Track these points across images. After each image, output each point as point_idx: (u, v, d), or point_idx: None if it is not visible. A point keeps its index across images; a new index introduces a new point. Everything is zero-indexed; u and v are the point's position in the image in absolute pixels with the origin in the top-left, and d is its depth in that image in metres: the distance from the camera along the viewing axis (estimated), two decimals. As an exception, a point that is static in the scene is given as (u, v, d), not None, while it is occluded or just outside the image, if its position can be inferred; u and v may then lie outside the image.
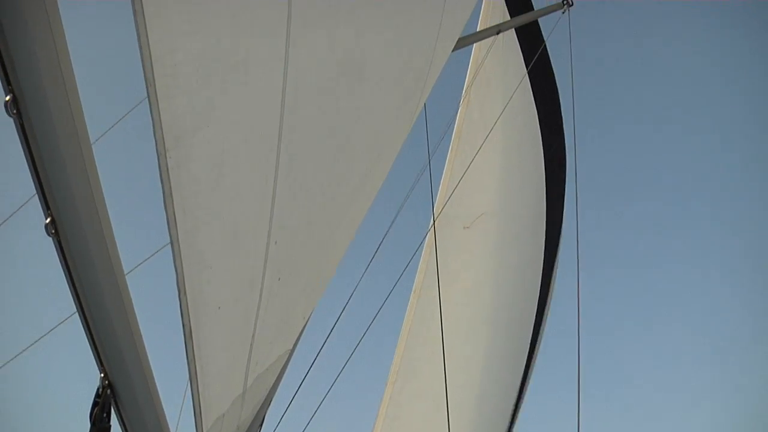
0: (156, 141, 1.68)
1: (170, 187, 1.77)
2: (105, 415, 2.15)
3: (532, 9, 8.83)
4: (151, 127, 1.66)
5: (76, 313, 2.02)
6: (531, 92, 8.98)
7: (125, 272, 1.94)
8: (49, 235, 1.75)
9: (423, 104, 4.21)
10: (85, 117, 1.62)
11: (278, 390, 3.47)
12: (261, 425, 3.41)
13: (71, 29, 1.55)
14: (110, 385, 2.12)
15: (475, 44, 8.49)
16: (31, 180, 1.67)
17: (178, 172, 1.77)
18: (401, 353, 8.94)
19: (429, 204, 7.28)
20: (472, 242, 9.11)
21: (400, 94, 3.54)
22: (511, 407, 8.42)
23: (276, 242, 2.49)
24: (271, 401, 3.42)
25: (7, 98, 1.50)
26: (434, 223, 6.94)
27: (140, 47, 1.53)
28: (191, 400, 2.47)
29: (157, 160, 1.73)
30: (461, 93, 9.14)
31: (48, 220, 1.71)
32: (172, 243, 1.88)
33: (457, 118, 9.14)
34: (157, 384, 2.22)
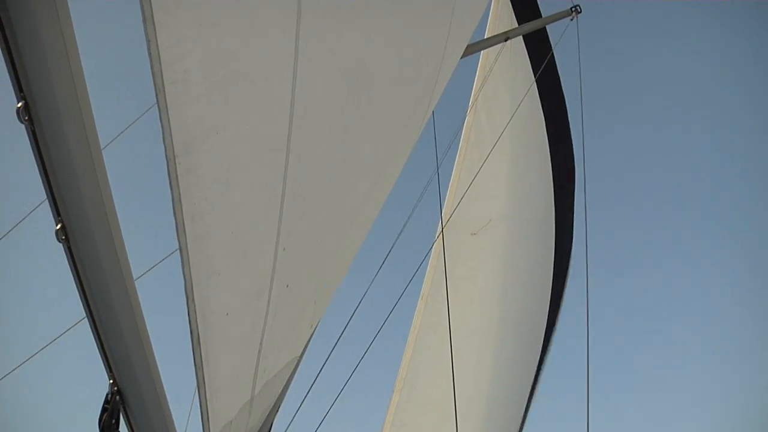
0: (165, 147, 1.69)
1: (179, 193, 1.77)
2: (114, 421, 2.16)
3: (540, 16, 8.83)
4: (161, 134, 1.67)
5: (84, 320, 2.02)
6: (539, 99, 8.97)
7: (134, 278, 1.95)
8: (59, 241, 1.75)
9: (431, 112, 4.21)
10: (95, 123, 1.63)
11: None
12: (268, 432, 3.41)
13: (81, 35, 1.56)
14: (119, 392, 2.12)
15: (482, 51, 8.49)
16: (42, 186, 1.68)
17: (188, 179, 1.77)
18: (408, 360, 8.92)
19: (435, 210, 7.28)
20: (479, 249, 9.10)
21: (409, 102, 3.55)
22: (521, 414, 8.39)
23: (284, 249, 2.49)
24: (279, 408, 3.41)
25: (19, 105, 1.50)
26: (443, 230, 6.92)
27: (150, 54, 1.54)
28: (199, 406, 2.48)
29: (166, 167, 1.73)
30: (467, 99, 9.14)
31: (58, 226, 1.72)
32: (180, 249, 1.88)
33: (465, 124, 9.14)
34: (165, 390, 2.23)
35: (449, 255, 7.04)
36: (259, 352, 2.70)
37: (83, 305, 1.94)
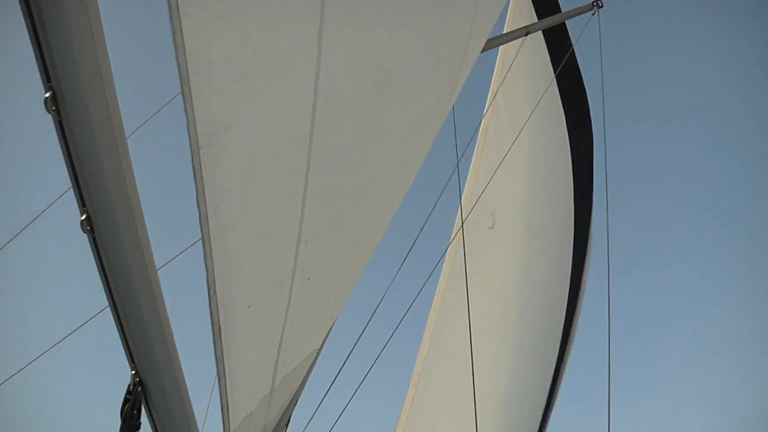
0: (189, 138, 1.68)
1: (203, 184, 1.77)
2: (135, 412, 2.17)
3: (560, 10, 8.77)
4: (185, 125, 1.67)
5: (105, 310, 2.03)
6: (558, 94, 8.91)
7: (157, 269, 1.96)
8: (84, 231, 1.76)
9: (452, 106, 4.19)
10: (121, 113, 1.64)
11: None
12: (287, 425, 3.42)
13: (108, 25, 1.56)
14: (141, 383, 2.13)
15: (501, 46, 8.45)
16: (68, 176, 1.68)
17: (211, 170, 1.77)
18: (424, 355, 8.91)
19: (452, 204, 7.25)
20: (496, 243, 9.07)
21: (430, 96, 3.53)
22: (540, 412, 8.35)
23: (306, 242, 2.49)
24: (297, 401, 3.42)
25: (47, 95, 1.51)
26: (462, 225, 6.90)
27: (175, 45, 1.54)
28: (218, 398, 2.48)
29: (190, 158, 1.73)
30: (485, 94, 9.10)
31: (83, 216, 1.72)
32: (203, 241, 1.88)
33: (483, 119, 9.11)
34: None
35: (466, 250, 7.02)
36: (280, 344, 2.70)
37: (107, 295, 1.94)
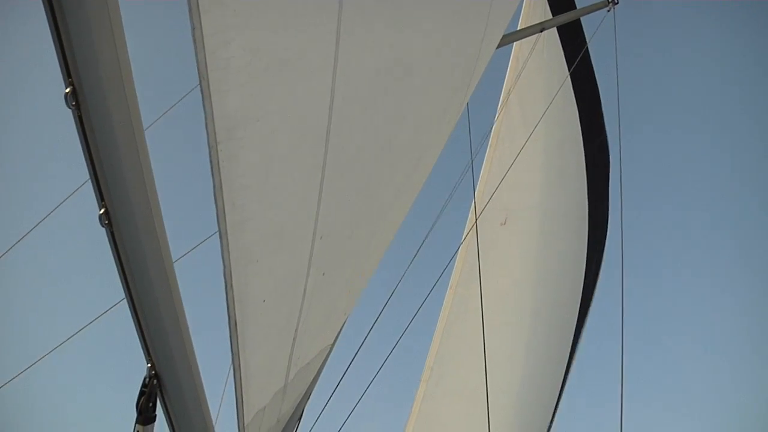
0: (208, 134, 1.69)
1: (220, 180, 1.78)
2: (151, 405, 2.19)
3: (575, 6, 8.73)
4: (200, 119, 1.67)
5: (121, 302, 2.05)
6: (572, 91, 8.88)
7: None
8: (102, 225, 1.77)
9: (466, 103, 4.19)
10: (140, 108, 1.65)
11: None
12: (300, 419, 3.44)
13: (128, 21, 1.57)
14: (157, 376, 2.15)
15: (515, 42, 8.42)
16: (87, 170, 1.70)
17: (229, 166, 1.78)
18: (435, 351, 8.93)
19: (464, 201, 7.24)
20: (509, 239, 9.06)
21: (446, 93, 3.53)
22: (552, 406, 8.33)
23: (321, 237, 2.50)
24: (310, 395, 3.44)
25: (67, 90, 1.52)
26: (476, 221, 6.90)
27: (194, 41, 1.54)
28: (233, 391, 2.50)
29: (204, 151, 1.74)
30: (498, 90, 9.09)
31: (102, 210, 1.74)
32: (221, 236, 1.89)
33: (497, 115, 9.09)
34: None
35: (480, 245, 7.01)
36: (294, 339, 2.71)
37: (124, 289, 1.96)
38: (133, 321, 2.05)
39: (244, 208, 1.92)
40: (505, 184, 7.96)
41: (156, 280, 1.91)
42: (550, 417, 8.31)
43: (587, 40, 8.61)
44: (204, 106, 1.64)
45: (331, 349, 3.43)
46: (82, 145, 1.62)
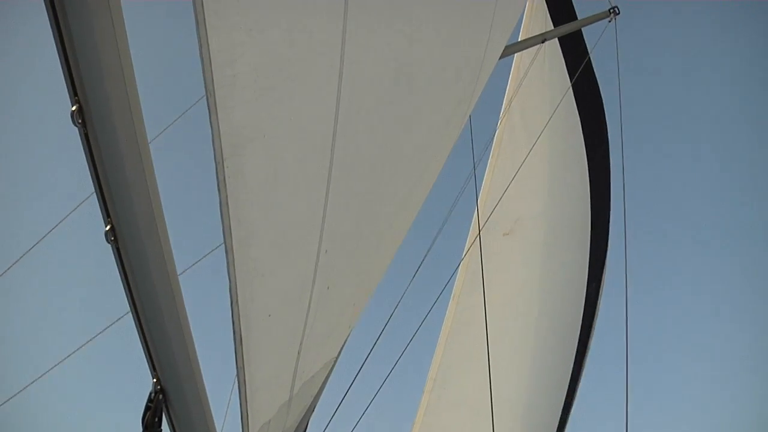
0: (214, 150, 1.70)
1: (226, 196, 1.78)
2: (156, 419, 2.18)
3: (576, 17, 8.74)
4: (204, 130, 1.68)
5: (126, 315, 2.05)
6: (574, 102, 8.88)
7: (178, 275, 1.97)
8: (108, 242, 1.77)
9: (469, 114, 4.20)
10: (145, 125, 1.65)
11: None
12: (304, 432, 3.43)
13: (133, 37, 1.58)
14: (162, 390, 2.14)
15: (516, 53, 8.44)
16: (93, 187, 1.70)
17: (235, 181, 1.78)
18: (438, 362, 8.90)
19: (466, 211, 7.23)
20: (511, 249, 9.04)
21: (449, 104, 3.54)
22: (557, 419, 8.29)
23: (326, 251, 2.50)
24: (314, 408, 3.43)
25: (74, 108, 1.52)
26: (480, 232, 6.90)
27: (201, 58, 1.55)
28: (238, 405, 2.50)
29: (214, 169, 1.75)
30: (500, 100, 9.09)
31: (108, 227, 1.74)
32: (226, 251, 1.89)
33: (498, 126, 9.10)
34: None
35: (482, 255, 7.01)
36: (299, 352, 2.71)
37: (129, 304, 1.96)
38: (139, 335, 2.04)
39: (250, 223, 1.92)
40: (508, 194, 7.96)
41: (161, 295, 1.91)
42: (556, 427, 8.27)
43: (589, 51, 8.62)
44: (211, 122, 1.65)
45: (336, 361, 3.43)
46: (88, 163, 1.62)
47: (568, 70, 8.79)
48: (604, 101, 8.89)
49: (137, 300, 1.92)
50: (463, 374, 8.56)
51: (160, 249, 1.82)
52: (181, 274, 2.06)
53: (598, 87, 8.82)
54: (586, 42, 8.86)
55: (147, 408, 2.18)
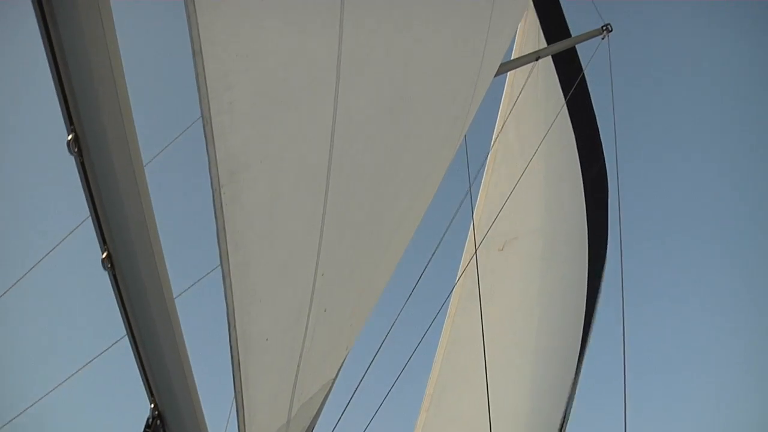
0: (211, 177, 1.70)
1: (224, 222, 1.78)
2: None
3: (569, 35, 8.79)
4: (202, 152, 1.68)
5: (122, 339, 2.04)
6: (569, 119, 8.92)
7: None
8: (105, 269, 1.77)
9: (464, 133, 4.21)
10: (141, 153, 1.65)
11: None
12: (302, 454, 3.41)
13: (128, 65, 1.58)
14: (160, 415, 2.14)
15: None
16: (89, 214, 1.70)
17: (232, 208, 1.79)
18: (435, 380, 8.86)
19: (460, 228, 7.22)
20: (506, 266, 9.04)
21: (445, 124, 3.55)
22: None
23: (323, 274, 2.50)
24: (313, 429, 3.41)
25: (69, 137, 1.53)
26: (476, 249, 6.90)
27: (198, 87, 1.56)
28: (236, 428, 2.48)
29: (211, 196, 1.75)
30: (493, 119, 9.11)
31: (104, 255, 1.74)
32: (224, 277, 1.89)
33: (492, 143, 9.12)
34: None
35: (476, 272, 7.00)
36: (297, 375, 2.70)
37: (126, 329, 1.95)
38: (135, 360, 2.04)
39: (247, 248, 1.92)
40: (504, 211, 7.96)
41: (158, 320, 1.91)
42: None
43: (583, 68, 8.66)
44: (207, 150, 1.65)
45: (333, 382, 3.42)
46: (84, 192, 1.63)
47: (562, 87, 8.83)
48: (598, 117, 8.93)
49: (134, 325, 1.92)
50: (459, 391, 8.53)
51: (157, 275, 1.82)
52: (177, 297, 2.06)
53: (591, 104, 8.86)
54: (580, 59, 8.91)
55: None
